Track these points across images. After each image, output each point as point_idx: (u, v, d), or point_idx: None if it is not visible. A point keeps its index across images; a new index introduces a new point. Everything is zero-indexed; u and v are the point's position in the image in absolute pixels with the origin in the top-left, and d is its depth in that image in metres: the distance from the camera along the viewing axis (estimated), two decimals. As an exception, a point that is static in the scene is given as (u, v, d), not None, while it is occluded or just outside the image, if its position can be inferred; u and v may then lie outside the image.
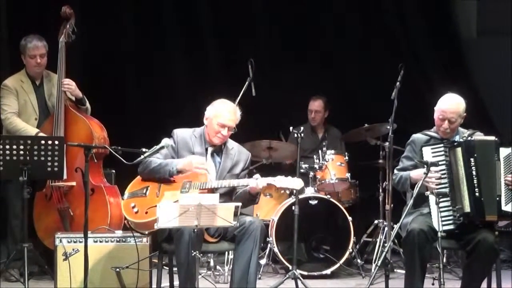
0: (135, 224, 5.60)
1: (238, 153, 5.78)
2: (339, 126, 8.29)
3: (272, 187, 7.47)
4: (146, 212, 5.52)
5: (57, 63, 6.75)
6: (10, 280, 6.51)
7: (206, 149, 5.71)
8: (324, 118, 8.26)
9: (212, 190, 5.52)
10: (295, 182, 5.47)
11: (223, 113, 5.64)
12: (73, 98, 6.79)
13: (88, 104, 6.85)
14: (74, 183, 6.59)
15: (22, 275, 6.07)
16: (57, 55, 6.76)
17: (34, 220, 6.68)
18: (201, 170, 5.53)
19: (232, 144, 5.81)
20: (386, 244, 6.81)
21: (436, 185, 5.45)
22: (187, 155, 5.65)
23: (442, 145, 5.57)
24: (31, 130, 6.60)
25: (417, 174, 5.51)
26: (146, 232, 5.74)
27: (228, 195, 5.67)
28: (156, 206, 5.38)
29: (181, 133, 5.72)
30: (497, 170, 5.50)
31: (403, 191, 5.86)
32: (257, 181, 5.47)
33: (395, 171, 5.78)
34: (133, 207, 5.58)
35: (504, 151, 5.54)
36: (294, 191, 6.72)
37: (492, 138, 5.64)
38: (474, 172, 5.47)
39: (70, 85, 6.70)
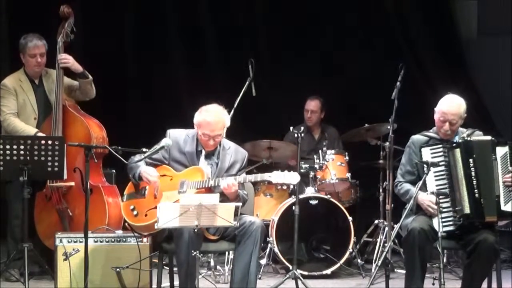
0: (136, 227, 5.61)
1: (235, 152, 5.74)
2: (339, 126, 8.28)
3: (272, 187, 7.48)
4: (146, 215, 5.52)
5: (54, 62, 6.73)
6: (10, 280, 6.50)
7: (200, 151, 5.67)
8: (321, 119, 8.25)
9: (209, 189, 5.51)
10: (292, 177, 5.46)
11: (206, 125, 5.56)
12: (77, 99, 6.81)
13: (91, 77, 6.82)
14: (73, 183, 6.58)
15: (23, 275, 6.07)
16: (55, 55, 6.74)
17: (35, 220, 6.67)
18: (149, 177, 5.51)
19: (228, 144, 5.76)
20: (386, 244, 6.81)
21: (436, 186, 5.47)
22: (178, 155, 5.64)
23: (441, 145, 5.56)
24: (30, 130, 6.58)
25: (424, 198, 5.50)
26: (145, 234, 5.74)
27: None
28: (155, 207, 5.38)
29: (174, 133, 5.69)
30: (495, 169, 5.50)
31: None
32: (222, 181, 5.45)
33: (399, 178, 5.75)
34: (133, 210, 5.59)
35: (500, 150, 5.53)
36: (294, 187, 6.70)
37: (488, 137, 5.62)
38: (473, 173, 5.46)
39: (67, 59, 6.68)
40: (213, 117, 5.58)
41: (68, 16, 6.76)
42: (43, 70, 6.86)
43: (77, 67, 6.75)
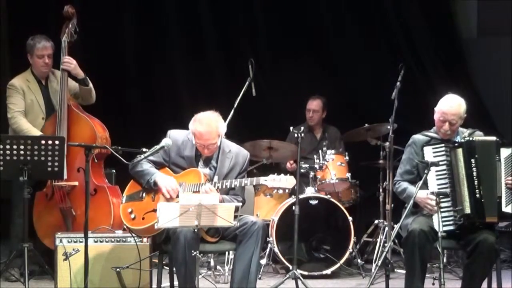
0: (134, 231, 5.61)
1: (236, 155, 5.66)
2: (339, 126, 8.29)
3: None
4: (143, 218, 5.50)
5: (58, 63, 6.75)
6: (10, 280, 6.51)
7: (200, 156, 5.62)
8: (322, 119, 8.25)
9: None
10: (287, 182, 5.43)
11: (198, 135, 5.49)
12: (78, 98, 6.82)
13: (91, 85, 6.84)
14: (76, 183, 6.58)
15: (23, 275, 6.07)
16: (58, 55, 6.76)
17: (34, 219, 6.67)
18: (166, 194, 5.46)
19: (229, 146, 5.69)
20: (386, 244, 6.82)
21: (437, 185, 5.47)
22: (177, 159, 5.61)
23: (443, 145, 5.55)
24: (35, 132, 6.58)
25: (421, 196, 5.49)
26: (144, 236, 5.75)
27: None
28: (152, 210, 5.38)
29: (174, 135, 5.63)
30: (498, 170, 5.48)
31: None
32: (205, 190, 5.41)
33: (398, 177, 5.74)
34: (131, 213, 5.57)
35: (505, 152, 5.51)
36: (294, 187, 6.70)
37: (493, 138, 5.60)
38: (475, 173, 5.45)
39: (70, 63, 6.70)
40: (205, 127, 5.48)
41: (72, 16, 6.77)
42: (50, 71, 6.88)
43: (78, 72, 6.76)
